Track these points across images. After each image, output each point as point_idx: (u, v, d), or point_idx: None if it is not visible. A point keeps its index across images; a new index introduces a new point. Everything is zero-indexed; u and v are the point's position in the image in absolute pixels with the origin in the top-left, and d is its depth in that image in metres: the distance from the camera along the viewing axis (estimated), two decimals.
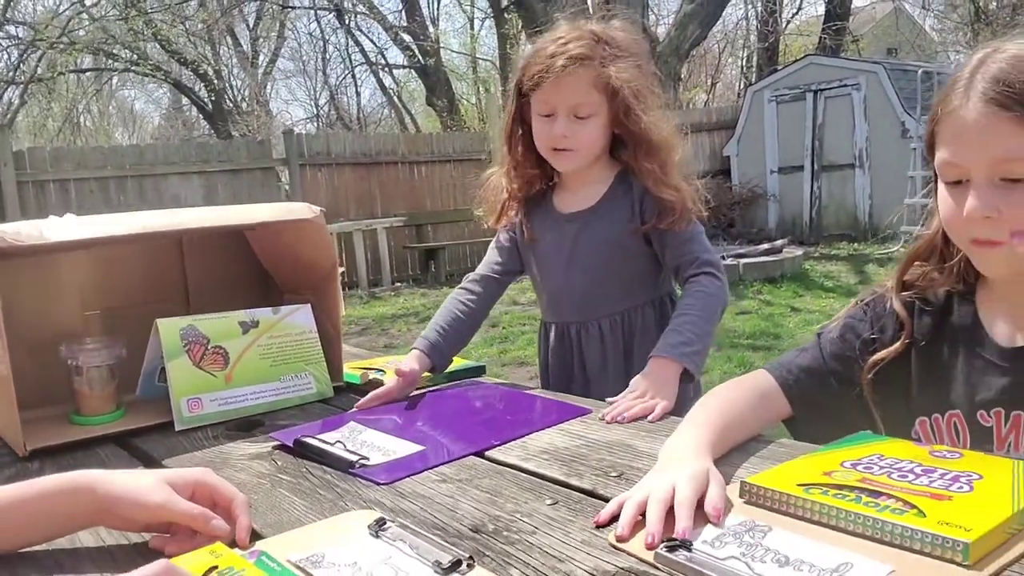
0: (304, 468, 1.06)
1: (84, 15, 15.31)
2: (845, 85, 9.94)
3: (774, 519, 0.80)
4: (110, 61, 17.44)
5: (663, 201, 1.42)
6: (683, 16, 11.64)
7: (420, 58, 18.29)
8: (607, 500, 0.86)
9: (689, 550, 0.74)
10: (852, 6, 16.79)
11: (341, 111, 22.12)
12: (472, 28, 21.53)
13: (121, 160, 8.06)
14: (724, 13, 11.78)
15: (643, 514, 0.80)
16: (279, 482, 1.02)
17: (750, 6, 18.19)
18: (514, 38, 16.92)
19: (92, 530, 0.86)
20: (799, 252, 7.88)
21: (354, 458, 1.05)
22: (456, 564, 0.73)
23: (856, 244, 9.37)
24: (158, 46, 16.79)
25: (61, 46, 14.98)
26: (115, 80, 21.01)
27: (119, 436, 1.24)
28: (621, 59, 1.41)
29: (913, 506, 0.75)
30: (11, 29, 15.29)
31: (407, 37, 18.72)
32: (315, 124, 21.94)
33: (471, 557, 0.75)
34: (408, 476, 0.99)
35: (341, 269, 1.45)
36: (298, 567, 0.74)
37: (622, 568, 0.74)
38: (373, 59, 20.82)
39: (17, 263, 1.31)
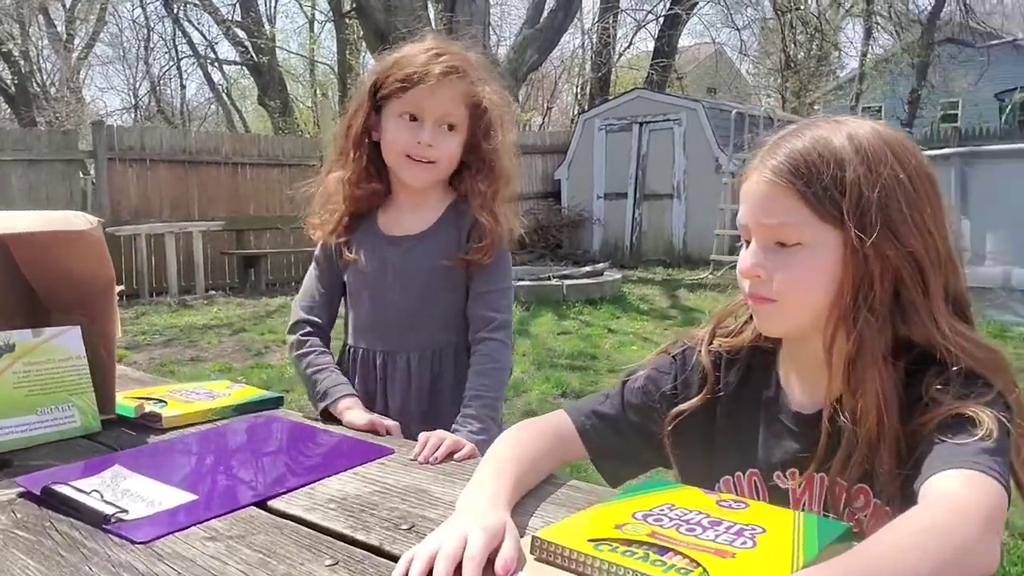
0: (48, 522, 0.92)
1: None
2: (668, 119, 10.52)
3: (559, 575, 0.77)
4: None
5: (479, 224, 1.39)
6: (522, 39, 11.89)
7: (253, 55, 17.56)
8: (393, 558, 0.80)
9: None
10: (678, 45, 17.87)
11: (163, 104, 20.78)
12: (312, 30, 20.97)
13: None
14: (561, 41, 12.14)
15: (431, 571, 0.74)
16: (13, 540, 0.87)
17: (586, 37, 18.95)
18: (354, 44, 16.62)
19: None
20: (618, 275, 8.20)
21: (110, 510, 0.92)
22: None
23: (670, 269, 9.89)
24: None
25: None
26: None
27: None
28: (490, 83, 1.41)
29: (698, 564, 0.74)
30: None
31: (240, 32, 17.92)
32: (133, 115, 20.47)
33: None
34: (171, 533, 0.88)
35: (120, 288, 1.30)
36: None
37: None
38: (202, 52, 19.75)
39: None
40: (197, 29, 19.97)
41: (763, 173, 0.93)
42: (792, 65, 17.13)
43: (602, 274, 8.05)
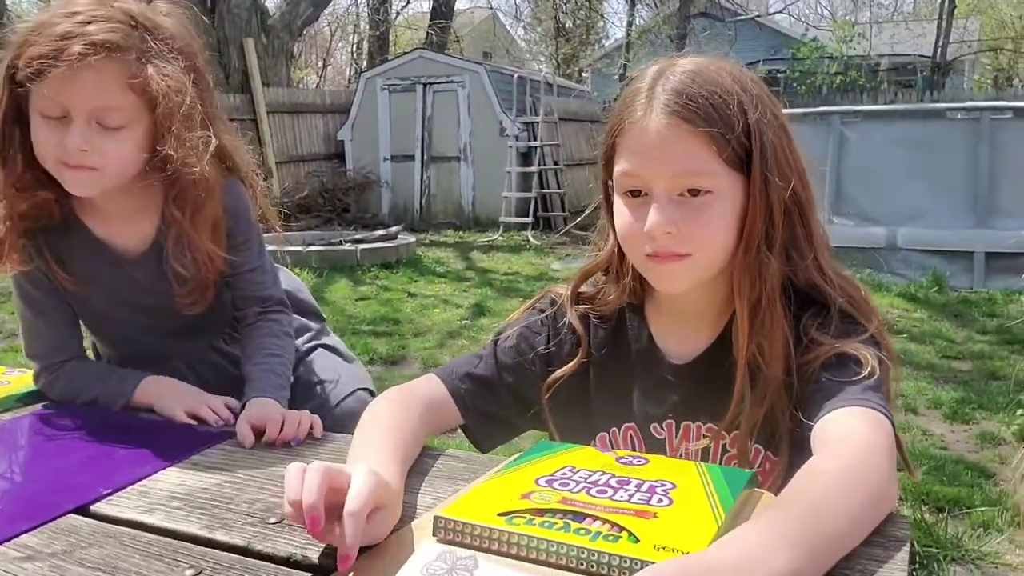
0: None
1: None
2: (452, 81, 10.46)
3: (481, 555, 0.68)
4: None
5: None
6: None
7: None
8: (268, 558, 0.68)
9: None
10: (456, 7, 17.84)
11: None
12: None
13: None
14: None
15: None
16: None
17: None
18: None
19: None
20: (412, 239, 8.10)
21: None
22: None
23: (461, 232, 9.94)
24: None
25: None
26: None
27: None
28: (168, 58, 1.08)
29: (622, 528, 0.69)
30: None
31: None
32: None
33: None
34: None
35: None
36: None
37: None
38: None
39: None
40: None
41: (661, 118, 0.86)
42: (563, 32, 17.72)
43: (396, 237, 7.91)
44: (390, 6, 17.72)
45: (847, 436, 0.77)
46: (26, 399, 1.14)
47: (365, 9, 18.12)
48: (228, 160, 1.19)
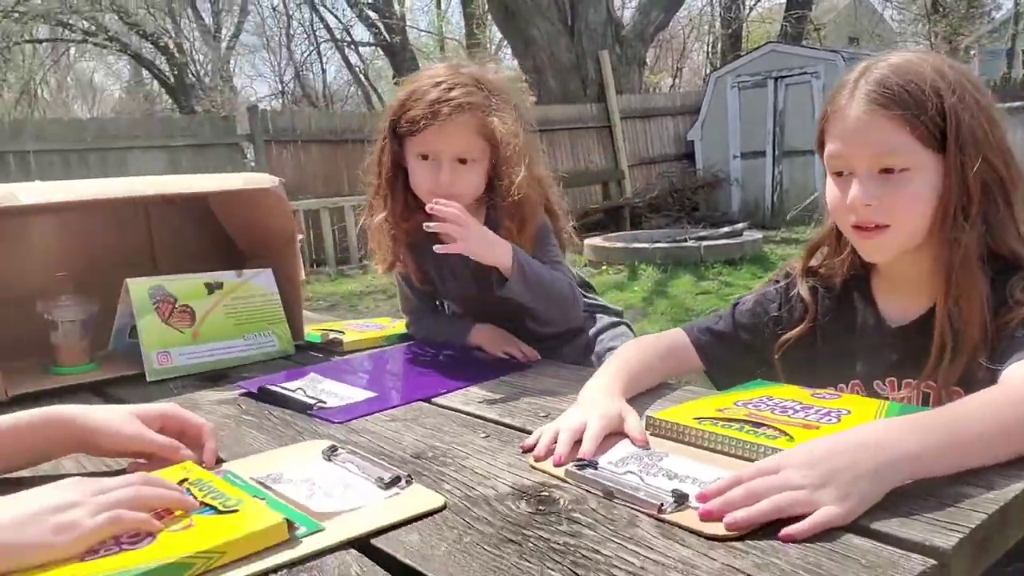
0: (266, 411, 1.17)
1: None
2: (805, 73, 10.14)
3: (671, 447, 0.93)
4: (66, 31, 17.08)
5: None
6: (647, 1, 11.77)
7: (386, 36, 18.20)
8: (523, 431, 0.99)
9: (595, 468, 0.87)
10: None
11: (307, 88, 21.90)
12: (439, 7, 21.45)
13: (82, 133, 7.98)
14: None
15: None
16: (243, 422, 1.13)
17: None
18: (480, 19, 16.92)
19: (73, 457, 0.97)
20: (759, 235, 8.07)
21: (312, 401, 1.16)
22: (396, 480, 0.85)
23: (818, 228, 9.57)
24: (116, 17, 16.47)
25: (16, 16, 14.65)
26: (72, 51, 20.56)
27: (94, 385, 1.34)
28: (504, 109, 1.39)
29: (785, 433, 0.89)
30: None
31: (372, 14, 18.60)
32: (280, 100, 21.71)
33: (409, 475, 0.87)
34: (360, 417, 1.11)
35: (300, 237, 1.55)
36: (259, 483, 0.85)
37: (537, 482, 0.87)
38: (339, 36, 20.65)
39: None
40: (332, 13, 20.92)
41: (863, 105, 1.02)
42: (940, 8, 15.98)
43: (741, 234, 7.96)
44: (743, 3, 17.51)
45: (1020, 377, 0.87)
46: (402, 338, 1.61)
47: (718, 8, 18.13)
48: (543, 187, 1.50)
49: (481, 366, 1.37)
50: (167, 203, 1.65)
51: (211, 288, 1.46)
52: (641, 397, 1.11)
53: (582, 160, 10.99)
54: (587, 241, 7.70)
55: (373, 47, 20.54)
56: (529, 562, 0.70)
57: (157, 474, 0.84)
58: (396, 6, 19.18)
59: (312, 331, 1.61)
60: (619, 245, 7.48)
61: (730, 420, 0.95)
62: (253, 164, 8.77)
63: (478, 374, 1.31)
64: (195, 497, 0.79)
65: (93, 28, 16.44)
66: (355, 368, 1.40)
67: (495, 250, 1.30)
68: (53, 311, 1.38)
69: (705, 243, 7.48)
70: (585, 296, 1.61)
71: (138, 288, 1.40)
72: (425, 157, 1.40)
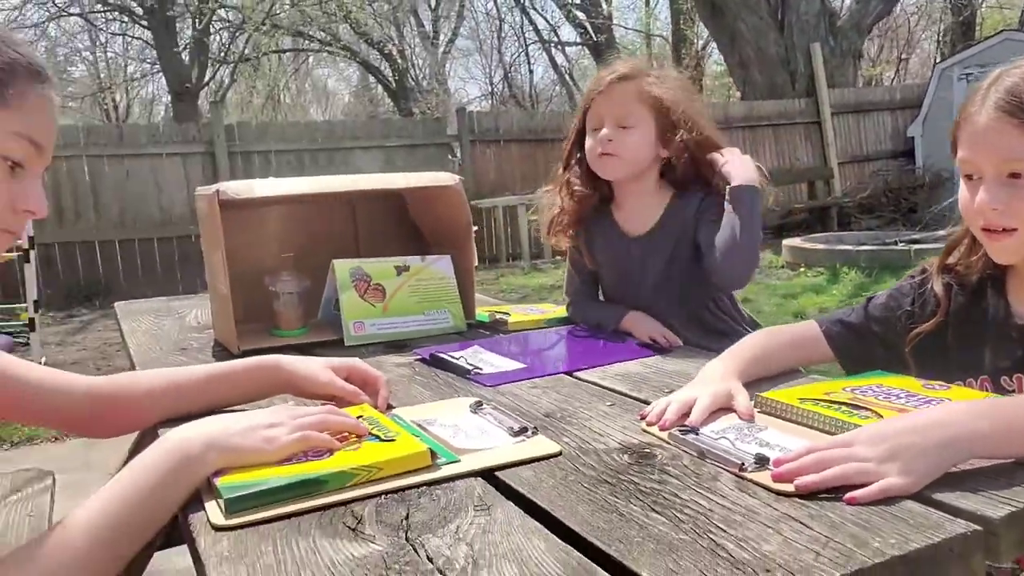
0: (434, 373, 1.39)
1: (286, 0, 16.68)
2: None
3: (772, 423, 1.03)
4: (307, 42, 18.90)
5: (709, 191, 1.61)
6: None
7: (592, 35, 18.46)
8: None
9: (696, 434, 0.99)
10: None
11: (514, 88, 22.70)
12: (647, 4, 21.40)
13: (315, 134, 8.90)
14: None
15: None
16: (415, 380, 1.35)
17: None
18: (688, 14, 16.71)
19: (280, 397, 1.23)
20: None
21: (471, 368, 1.36)
22: (523, 430, 1.03)
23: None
24: (349, 28, 17.98)
25: (265, 28, 16.45)
26: (311, 60, 22.70)
27: (304, 346, 1.62)
28: (669, 83, 1.62)
29: (880, 416, 0.96)
30: (223, 13, 16.91)
31: (580, 14, 18.94)
32: (489, 101, 22.68)
33: (535, 428, 1.04)
34: (508, 383, 1.30)
35: (475, 228, 1.77)
36: (417, 424, 1.06)
37: (643, 442, 1.00)
38: (546, 37, 21.22)
39: (234, 213, 1.71)
40: (541, 15, 21.52)
41: (991, 112, 1.06)
42: None
43: None
44: None
45: None
46: (561, 322, 1.78)
47: None
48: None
49: (626, 348, 1.51)
50: (369, 198, 1.93)
51: (399, 270, 1.70)
52: (764, 381, 1.20)
53: (787, 157, 10.61)
54: (785, 242, 7.48)
55: (579, 47, 20.92)
56: (616, 499, 0.84)
57: (341, 411, 1.07)
58: (604, 5, 19.40)
59: (482, 311, 1.82)
60: (820, 247, 7.20)
61: (832, 402, 1.03)
62: (460, 163, 9.32)
63: (620, 354, 1.45)
64: (367, 430, 1.00)
65: (329, 38, 18.06)
66: (513, 344, 1.59)
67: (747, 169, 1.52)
68: (276, 284, 1.68)
69: (916, 246, 7.01)
70: (737, 314, 1.72)
71: (342, 268, 1.67)
72: (596, 129, 1.62)
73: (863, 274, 6.46)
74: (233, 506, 0.82)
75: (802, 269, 6.91)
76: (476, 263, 1.79)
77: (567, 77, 21.68)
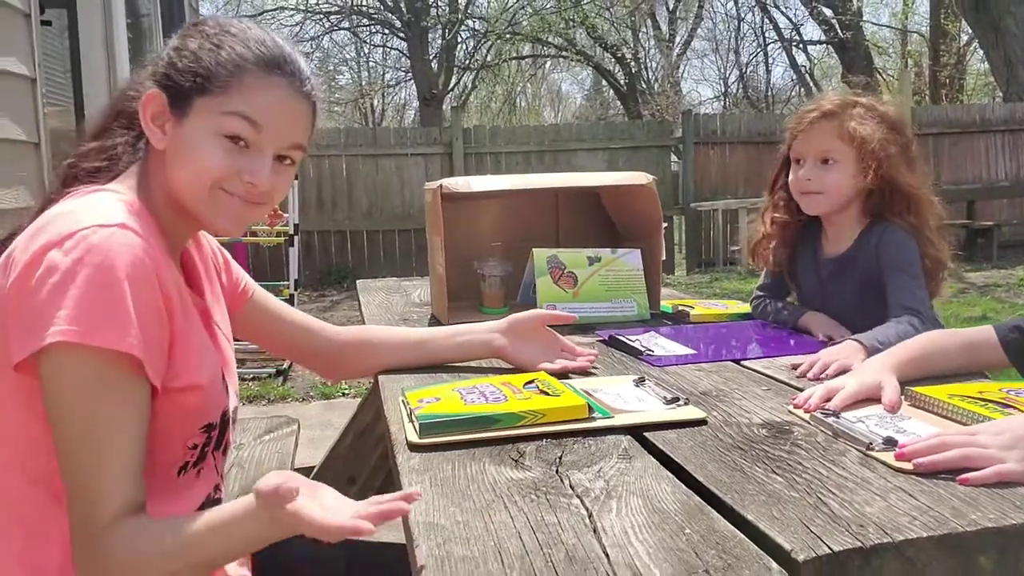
0: (611, 352, 1.54)
1: (527, 8, 17.42)
2: None
3: (918, 414, 1.08)
4: (544, 48, 19.59)
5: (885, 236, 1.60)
6: None
7: (839, 32, 17.46)
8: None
9: (837, 417, 1.06)
10: None
11: (750, 90, 22.02)
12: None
13: (542, 137, 9.31)
14: None
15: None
16: (597, 360, 1.51)
17: None
18: (949, 8, 15.31)
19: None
20: None
21: (643, 350, 1.50)
22: (676, 399, 1.15)
23: None
24: (585, 33, 18.41)
25: (507, 36, 17.30)
26: (547, 65, 23.46)
27: None
28: (870, 121, 1.60)
29: None
30: (470, 23, 18.02)
31: (827, 11, 17.98)
32: (722, 103, 22.17)
33: (687, 399, 1.16)
34: (676, 365, 1.42)
35: (665, 225, 1.89)
36: (586, 392, 1.22)
37: (786, 420, 1.09)
38: (787, 35, 20.36)
39: (455, 204, 1.97)
40: (783, 13, 20.69)
41: None
42: None
43: None
44: None
45: None
46: (743, 317, 1.86)
47: None
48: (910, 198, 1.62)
49: (800, 344, 1.57)
50: (570, 194, 2.11)
51: (591, 260, 1.87)
52: (929, 381, 1.22)
53: None
54: None
55: (824, 45, 19.86)
56: (744, 461, 0.95)
57: (517, 376, 1.25)
58: (853, 1, 18.27)
59: (667, 303, 1.94)
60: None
61: (984, 400, 1.06)
62: (678, 164, 9.30)
63: (792, 349, 1.52)
64: (538, 388, 1.18)
65: (565, 44, 18.61)
66: (690, 333, 1.70)
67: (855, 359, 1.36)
68: (484, 268, 1.91)
69: None
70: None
71: (540, 256, 1.86)
72: (798, 161, 1.68)
73: None
74: (426, 430, 1.03)
75: None
76: (664, 257, 1.91)
77: (807, 76, 20.66)
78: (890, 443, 0.95)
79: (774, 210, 1.78)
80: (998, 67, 10.33)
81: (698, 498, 0.86)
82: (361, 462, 2.48)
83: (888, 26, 20.53)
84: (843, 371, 1.29)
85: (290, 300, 5.27)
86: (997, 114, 9.54)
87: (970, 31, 14.65)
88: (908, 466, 0.89)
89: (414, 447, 1.02)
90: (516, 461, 0.98)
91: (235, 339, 1.27)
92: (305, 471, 2.56)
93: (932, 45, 17.30)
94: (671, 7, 21.04)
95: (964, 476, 0.85)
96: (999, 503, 0.80)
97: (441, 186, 1.78)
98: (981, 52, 13.37)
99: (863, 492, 0.85)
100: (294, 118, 1.05)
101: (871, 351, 1.37)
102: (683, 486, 0.89)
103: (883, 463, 0.92)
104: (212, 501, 1.13)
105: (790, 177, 1.70)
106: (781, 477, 0.90)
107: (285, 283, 5.58)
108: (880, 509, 0.80)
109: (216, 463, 1.14)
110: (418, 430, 1.04)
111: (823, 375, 1.30)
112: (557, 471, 0.95)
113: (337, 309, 7.15)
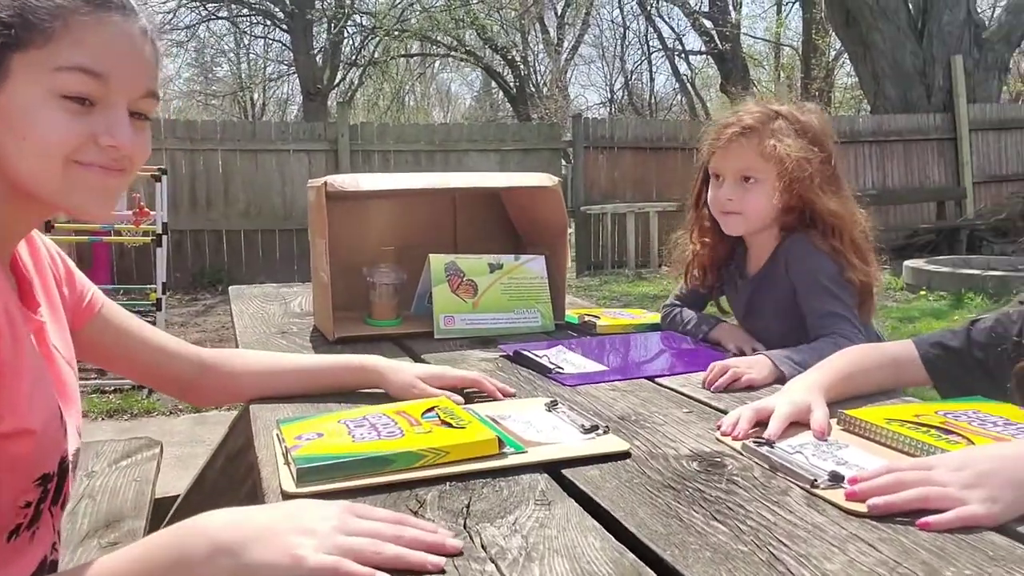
0: (516, 370, 1.40)
1: (416, 5, 17.14)
2: None
3: (855, 441, 0.99)
4: (433, 47, 19.36)
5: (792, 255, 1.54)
6: (1019, 1, 10.42)
7: (718, 44, 18.08)
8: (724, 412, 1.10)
9: (771, 447, 0.96)
10: None
11: (634, 97, 22.52)
12: (779, 13, 20.79)
13: (432, 136, 9.11)
14: None
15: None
16: (496, 376, 1.36)
17: None
18: (820, 23, 16.12)
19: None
20: None
21: (552, 367, 1.37)
22: (594, 428, 1.02)
23: None
24: (475, 34, 18.31)
25: (395, 33, 16.97)
26: (436, 64, 23.23)
27: (396, 336, 1.67)
28: (794, 136, 1.51)
29: (971, 442, 0.91)
30: (357, 18, 17.56)
31: (707, 23, 18.60)
32: (608, 109, 22.57)
33: (607, 427, 1.03)
34: (588, 384, 1.29)
35: (569, 231, 1.77)
36: (490, 417, 1.07)
37: (715, 451, 0.98)
38: (671, 45, 20.94)
39: (342, 204, 1.78)
40: (667, 23, 21.26)
41: None
42: None
43: None
44: None
45: None
46: (651, 328, 1.76)
47: None
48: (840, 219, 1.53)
49: (712, 358, 1.48)
50: (469, 196, 1.96)
51: (492, 267, 1.73)
52: (855, 401, 1.15)
53: (917, 175, 10.08)
54: (907, 263, 7.11)
55: (704, 55, 20.54)
56: (679, 504, 0.83)
57: (413, 404, 1.09)
58: (732, 13, 18.97)
59: (572, 313, 1.82)
60: (944, 269, 6.80)
61: (922, 425, 0.98)
62: (568, 168, 9.33)
63: (705, 364, 1.42)
64: (439, 418, 1.02)
65: (455, 43, 18.45)
66: (599, 346, 1.58)
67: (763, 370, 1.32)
68: (374, 275, 1.74)
69: None
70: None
71: (437, 262, 1.71)
72: (717, 177, 1.59)
73: (989, 300, 6.06)
74: (304, 476, 0.86)
75: (923, 292, 6.55)
76: (569, 264, 1.78)
77: (689, 86, 21.31)
78: (836, 479, 0.85)
79: (701, 231, 1.69)
80: (866, 81, 10.89)
81: (632, 555, 0.73)
82: (233, 489, 2.24)
83: (763, 39, 21.46)
84: (750, 386, 1.27)
85: (157, 304, 4.88)
86: (865, 125, 10.05)
87: (839, 46, 15.48)
88: (860, 507, 0.79)
89: (289, 497, 0.85)
90: (416, 513, 0.82)
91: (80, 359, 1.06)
92: (168, 501, 2.31)
93: (804, 59, 18.17)
94: (560, 12, 21.26)
95: (924, 520, 0.75)
96: (971, 555, 0.70)
97: (326, 184, 1.59)
98: (850, 66, 14.12)
99: (817, 543, 0.74)
100: (142, 60, 0.86)
101: (780, 366, 1.32)
102: (613, 539, 0.76)
103: (831, 503, 0.82)
104: (49, 565, 0.92)
105: (710, 194, 1.61)
106: (723, 525, 0.78)
107: (152, 286, 5.16)
108: (842, 565, 0.69)
109: (53, 520, 0.93)
110: (295, 476, 0.87)
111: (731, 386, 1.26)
112: (465, 525, 0.80)
113: (211, 314, 6.72)
